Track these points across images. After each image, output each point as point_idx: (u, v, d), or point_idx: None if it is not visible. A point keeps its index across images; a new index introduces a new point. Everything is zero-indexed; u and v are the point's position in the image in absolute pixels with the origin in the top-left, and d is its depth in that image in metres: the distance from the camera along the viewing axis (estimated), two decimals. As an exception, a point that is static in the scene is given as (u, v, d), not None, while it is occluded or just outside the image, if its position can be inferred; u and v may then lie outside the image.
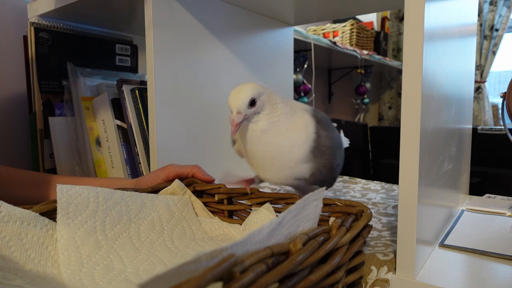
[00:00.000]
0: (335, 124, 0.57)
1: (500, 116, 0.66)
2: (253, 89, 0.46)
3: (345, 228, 0.32)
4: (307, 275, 0.27)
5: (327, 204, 0.41)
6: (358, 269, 0.36)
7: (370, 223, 0.57)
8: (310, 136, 0.48)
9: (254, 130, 0.47)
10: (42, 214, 0.41)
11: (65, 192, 0.42)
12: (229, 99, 0.46)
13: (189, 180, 0.58)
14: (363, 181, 0.95)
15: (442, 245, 0.50)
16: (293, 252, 0.26)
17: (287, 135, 0.47)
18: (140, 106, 0.78)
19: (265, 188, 0.82)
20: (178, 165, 0.58)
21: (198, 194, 0.57)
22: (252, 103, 0.46)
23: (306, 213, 0.32)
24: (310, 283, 0.27)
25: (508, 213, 0.63)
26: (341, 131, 0.67)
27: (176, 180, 0.55)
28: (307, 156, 0.48)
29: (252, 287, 0.21)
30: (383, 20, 2.64)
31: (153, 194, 0.52)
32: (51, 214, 0.42)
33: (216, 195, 0.55)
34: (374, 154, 1.72)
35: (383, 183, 0.92)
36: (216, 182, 0.59)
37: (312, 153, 0.48)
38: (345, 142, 0.66)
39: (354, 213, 0.37)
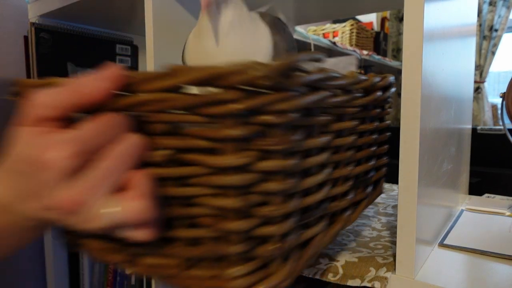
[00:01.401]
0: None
1: (500, 116, 0.66)
2: None
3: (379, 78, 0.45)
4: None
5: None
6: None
7: (370, 222, 0.57)
8: (269, 49, 0.43)
9: (223, 21, 0.41)
10: None
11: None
12: None
13: None
14: (363, 181, 0.95)
15: (442, 244, 0.50)
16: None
17: (252, 42, 0.42)
18: (140, 106, 0.78)
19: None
20: None
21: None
22: None
23: (342, 65, 0.37)
24: (341, 103, 0.35)
25: (508, 213, 0.63)
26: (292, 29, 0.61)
27: None
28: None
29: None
30: (383, 20, 2.64)
31: None
32: None
33: None
34: (374, 154, 1.72)
35: (382, 183, 0.92)
36: None
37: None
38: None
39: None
